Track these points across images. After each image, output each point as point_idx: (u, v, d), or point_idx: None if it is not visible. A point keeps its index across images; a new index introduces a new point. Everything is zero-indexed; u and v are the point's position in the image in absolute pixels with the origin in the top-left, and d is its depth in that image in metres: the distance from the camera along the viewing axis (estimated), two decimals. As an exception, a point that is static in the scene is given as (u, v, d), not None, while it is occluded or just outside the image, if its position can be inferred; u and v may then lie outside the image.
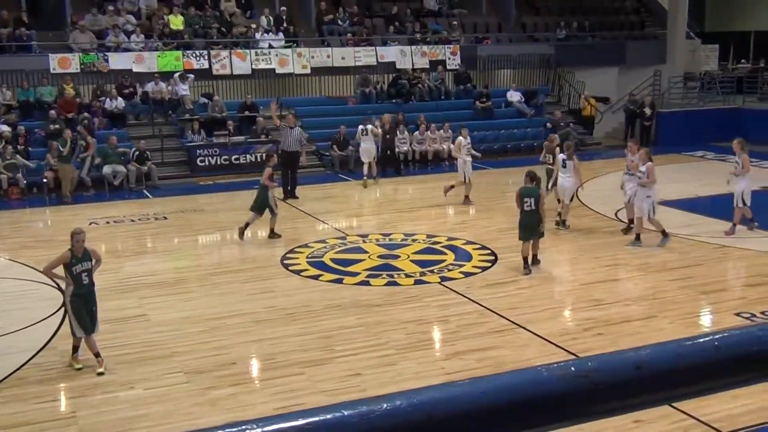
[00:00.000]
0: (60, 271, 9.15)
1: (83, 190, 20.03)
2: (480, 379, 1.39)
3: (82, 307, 9.08)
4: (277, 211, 15.01)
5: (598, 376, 1.42)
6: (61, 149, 19.34)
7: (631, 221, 14.62)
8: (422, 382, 8.43)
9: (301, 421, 1.25)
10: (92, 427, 7.81)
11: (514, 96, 26.98)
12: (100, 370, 8.97)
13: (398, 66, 26.57)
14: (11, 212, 18.54)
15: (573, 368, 1.42)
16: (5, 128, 20.64)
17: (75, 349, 9.20)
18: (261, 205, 14.89)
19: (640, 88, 28.86)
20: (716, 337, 1.52)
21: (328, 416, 1.28)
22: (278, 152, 18.62)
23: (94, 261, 9.26)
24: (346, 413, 1.28)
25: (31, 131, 21.13)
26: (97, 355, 9.08)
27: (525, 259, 12.46)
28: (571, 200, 15.46)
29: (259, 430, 1.22)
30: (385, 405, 1.30)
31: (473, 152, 18.71)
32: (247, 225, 14.97)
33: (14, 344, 9.93)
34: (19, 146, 20.32)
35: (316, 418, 1.26)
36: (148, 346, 9.77)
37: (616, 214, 16.36)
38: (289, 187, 18.96)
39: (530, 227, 12.42)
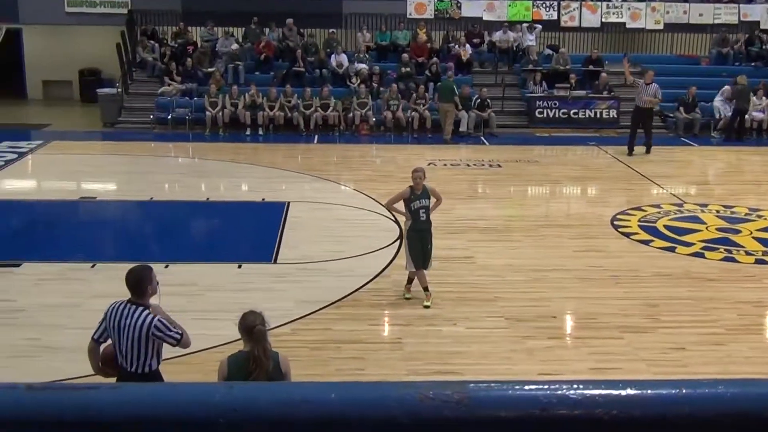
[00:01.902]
0: (401, 206, 9.70)
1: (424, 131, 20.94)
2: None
3: (416, 242, 9.49)
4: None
5: None
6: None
7: None
8: (753, 369, 7.93)
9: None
10: (415, 355, 8.31)
11: None
12: (427, 303, 9.45)
13: (762, 26, 24.39)
14: (360, 146, 19.99)
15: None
16: (363, 66, 22.16)
17: (409, 280, 9.70)
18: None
19: None
20: None
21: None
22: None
23: (433, 199, 9.64)
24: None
25: (384, 72, 22.46)
26: (425, 289, 9.54)
27: None
28: None
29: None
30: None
31: None
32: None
33: (353, 268, 10.77)
34: (373, 84, 21.71)
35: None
36: (472, 287, 10.11)
37: None
38: (634, 145, 18.52)
39: None
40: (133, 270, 5.64)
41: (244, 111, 20.43)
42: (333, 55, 22.50)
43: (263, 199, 14.53)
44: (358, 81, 21.72)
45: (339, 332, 8.73)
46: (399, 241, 11.88)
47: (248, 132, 20.41)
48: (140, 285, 5.54)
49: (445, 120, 20.19)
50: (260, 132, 20.49)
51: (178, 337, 5.53)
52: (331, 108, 20.81)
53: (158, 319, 5.48)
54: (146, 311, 5.50)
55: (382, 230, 12.46)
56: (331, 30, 23.35)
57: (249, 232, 12.97)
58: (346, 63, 22.36)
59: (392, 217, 13.04)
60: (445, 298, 9.73)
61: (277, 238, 11.97)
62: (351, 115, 20.81)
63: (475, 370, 7.97)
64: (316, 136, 20.33)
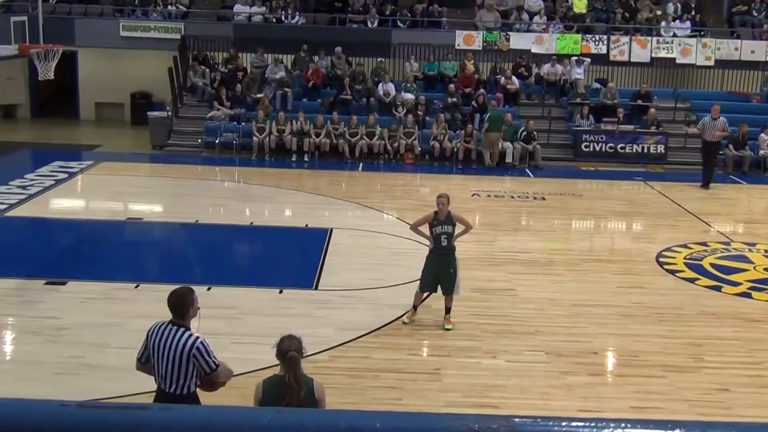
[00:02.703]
0: (425, 229, 9.80)
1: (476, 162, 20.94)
2: None
3: (433, 266, 9.70)
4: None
5: None
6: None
7: None
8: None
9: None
10: (454, 386, 8.25)
11: None
12: (448, 326, 9.65)
13: (816, 64, 24.05)
14: (404, 175, 20.04)
15: None
16: (409, 96, 22.27)
17: (415, 307, 9.87)
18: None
19: None
20: None
21: None
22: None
23: (459, 227, 9.78)
24: None
25: (431, 102, 22.54)
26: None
27: None
28: None
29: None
30: None
31: None
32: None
33: (391, 297, 10.75)
34: (419, 114, 21.79)
35: None
36: (512, 320, 10.04)
37: None
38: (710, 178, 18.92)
39: None
40: (175, 291, 5.69)
41: (290, 137, 20.63)
42: (380, 84, 22.65)
43: (306, 225, 14.62)
44: (405, 110, 21.83)
45: (377, 361, 8.71)
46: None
47: (294, 158, 20.60)
48: (182, 306, 5.58)
49: (491, 149, 20.28)
50: (306, 158, 20.66)
51: (216, 365, 5.53)
52: (376, 136, 20.92)
53: (201, 342, 5.50)
54: (188, 332, 5.53)
55: (422, 259, 12.41)
56: (379, 59, 23.53)
57: (291, 258, 13.06)
58: (393, 92, 22.50)
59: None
60: (485, 330, 9.68)
61: (319, 265, 12.02)
62: (396, 144, 20.90)
63: (514, 404, 7.89)
64: (361, 164, 20.44)
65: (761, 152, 21.19)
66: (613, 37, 24.05)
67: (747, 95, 24.06)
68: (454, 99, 22.26)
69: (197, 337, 5.50)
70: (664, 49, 24.10)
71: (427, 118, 21.91)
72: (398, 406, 7.82)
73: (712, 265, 12.71)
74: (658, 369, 8.72)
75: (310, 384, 5.25)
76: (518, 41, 24.17)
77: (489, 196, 17.52)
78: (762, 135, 21.28)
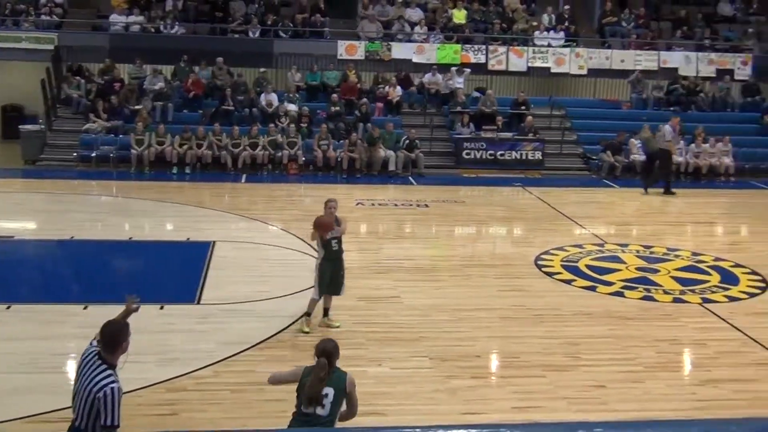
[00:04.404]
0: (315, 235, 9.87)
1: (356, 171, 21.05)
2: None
3: (328, 271, 9.80)
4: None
5: None
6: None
7: None
8: (670, 406, 8.08)
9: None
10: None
11: (808, 113, 24.71)
12: (306, 329, 9.75)
13: (681, 72, 25.30)
14: (289, 185, 19.95)
15: None
16: (292, 106, 22.21)
17: (308, 314, 9.92)
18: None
19: None
20: None
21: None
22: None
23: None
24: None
25: (314, 112, 22.53)
26: (326, 312, 9.94)
27: None
28: None
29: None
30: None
31: None
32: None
33: (278, 309, 10.67)
34: (302, 125, 21.73)
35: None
36: (397, 327, 10.12)
37: None
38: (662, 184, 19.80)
39: None
40: (112, 324, 5.38)
41: (171, 149, 20.22)
42: (263, 95, 22.49)
43: (188, 239, 14.35)
44: (288, 120, 21.75)
45: (262, 374, 8.58)
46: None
47: (175, 171, 20.19)
48: (115, 341, 5.25)
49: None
50: (187, 171, 20.29)
51: (112, 424, 5.05)
52: (259, 147, 20.75)
53: (112, 388, 5.08)
54: (108, 372, 5.15)
55: (308, 270, 12.35)
56: (261, 69, 23.37)
57: (172, 273, 12.75)
58: (276, 102, 22.38)
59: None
60: (370, 338, 9.72)
61: (201, 279, 11.81)
62: (280, 154, 20.79)
63: (399, 410, 7.95)
64: (244, 176, 20.23)
65: (632, 157, 22.12)
66: (491, 47, 24.67)
67: (618, 102, 25.09)
68: (337, 108, 22.34)
69: (112, 382, 5.11)
70: (539, 58, 24.89)
71: (311, 128, 21.89)
72: (285, 419, 7.71)
73: (587, 266, 13.17)
74: (538, 369, 8.96)
75: (343, 378, 5.88)
76: (400, 51, 24.49)
77: (373, 204, 17.63)
78: (632, 140, 22.23)
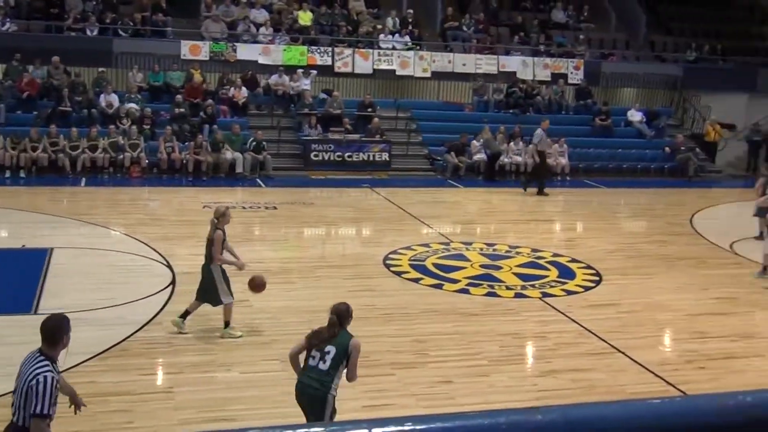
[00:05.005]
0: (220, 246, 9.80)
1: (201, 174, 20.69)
2: (637, 402, 1.37)
3: (225, 276, 9.83)
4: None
5: (756, 412, 1.37)
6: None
7: None
8: (513, 397, 8.40)
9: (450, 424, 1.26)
10: (188, 403, 8.07)
11: (635, 116, 26.33)
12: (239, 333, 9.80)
13: (519, 76, 26.34)
14: (132, 189, 19.34)
15: (731, 402, 1.38)
16: (134, 107, 21.54)
17: (187, 313, 9.83)
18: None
19: (771, 117, 27.69)
20: None
21: (478, 422, 1.28)
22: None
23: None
24: (500, 420, 1.28)
25: (158, 113, 21.96)
26: (185, 314, 9.85)
27: None
28: None
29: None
30: (539, 416, 1.30)
31: None
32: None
33: (122, 316, 10.34)
34: (144, 126, 21.13)
35: (466, 422, 1.27)
36: (248, 331, 10.01)
37: (731, 246, 15.78)
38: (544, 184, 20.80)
39: None
40: (51, 318, 5.49)
41: (3, 152, 19.16)
42: (102, 95, 21.70)
43: (23, 246, 13.64)
44: (130, 122, 21.08)
45: (105, 384, 8.31)
46: (171, 286, 11.61)
47: (8, 174, 19.16)
48: (54, 335, 5.34)
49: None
50: (22, 174, 19.30)
51: (41, 412, 5.11)
52: (99, 150, 20.01)
53: (45, 376, 5.15)
54: (45, 363, 5.23)
55: (153, 276, 12.09)
56: (100, 69, 22.53)
57: (6, 282, 12.07)
58: (116, 103, 21.64)
59: (165, 262, 12.73)
60: (219, 343, 9.59)
61: (38, 287, 11.25)
62: (121, 156, 20.12)
63: (251, 415, 7.87)
64: (84, 179, 19.45)
65: (475, 158, 22.84)
66: (337, 50, 24.82)
67: (461, 105, 25.83)
68: (182, 110, 21.86)
69: (48, 371, 5.19)
70: (384, 61, 25.26)
71: (154, 130, 21.32)
72: (129, 430, 7.53)
73: (434, 264, 13.50)
74: (387, 367, 9.09)
75: (347, 339, 6.58)
76: (245, 52, 24.22)
77: (221, 207, 17.34)
78: (474, 141, 22.96)
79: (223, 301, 9.77)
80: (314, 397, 6.53)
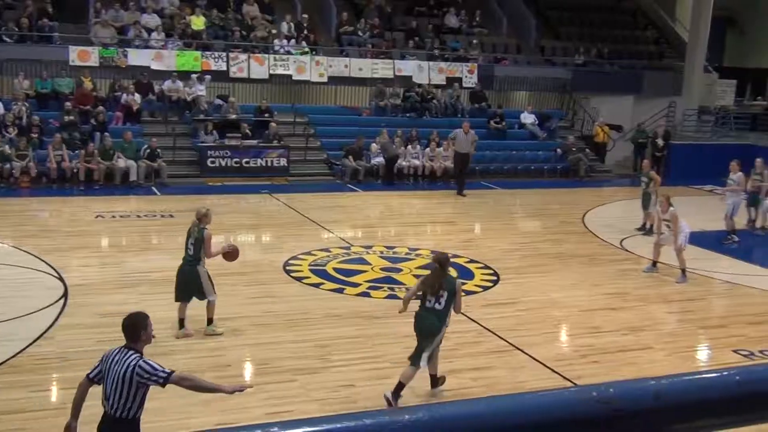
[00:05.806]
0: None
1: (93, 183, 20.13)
2: (503, 397, 1.40)
3: (209, 276, 10.13)
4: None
5: (619, 403, 1.42)
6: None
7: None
8: (417, 400, 8.45)
9: (322, 427, 1.26)
10: (84, 419, 7.80)
11: (527, 118, 27.02)
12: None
13: (415, 80, 26.64)
14: (20, 199, 18.64)
15: (594, 393, 1.44)
16: (20, 112, 20.76)
17: (182, 320, 10.10)
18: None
19: (655, 118, 28.86)
20: (738, 372, 1.52)
21: (345, 424, 1.28)
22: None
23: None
24: (367, 422, 1.29)
25: (46, 121, 21.24)
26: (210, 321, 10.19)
27: None
28: None
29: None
30: (406, 416, 1.31)
31: None
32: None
33: (12, 332, 9.96)
34: (32, 135, 20.41)
35: (334, 425, 1.27)
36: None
37: (621, 243, 16.37)
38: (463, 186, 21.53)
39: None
40: (129, 315, 5.91)
41: None
42: (-14, 103, 20.85)
43: None
44: (16, 130, 20.32)
45: (-3, 403, 7.99)
46: (64, 299, 11.25)
47: None
48: (134, 330, 5.79)
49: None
50: None
51: (165, 375, 5.62)
52: (-16, 159, 19.22)
53: (142, 360, 5.62)
54: (134, 354, 5.66)
55: (44, 288, 11.68)
56: (-18, 76, 21.65)
57: None
58: (2, 111, 20.82)
59: (56, 274, 12.34)
60: (115, 356, 9.31)
61: None
62: (9, 166, 19.37)
63: (152, 427, 7.67)
64: (-33, 191, 18.65)
65: (373, 161, 22.98)
66: (231, 55, 24.55)
67: (358, 109, 25.93)
68: (72, 117, 21.21)
69: (138, 358, 5.63)
70: (281, 66, 25.12)
71: (42, 138, 20.61)
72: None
73: (335, 269, 13.51)
74: (289, 374, 9.05)
75: (453, 282, 8.53)
76: (137, 58, 23.68)
77: (114, 216, 16.94)
78: (373, 145, 23.09)
79: (208, 298, 10.10)
80: (432, 330, 8.34)
